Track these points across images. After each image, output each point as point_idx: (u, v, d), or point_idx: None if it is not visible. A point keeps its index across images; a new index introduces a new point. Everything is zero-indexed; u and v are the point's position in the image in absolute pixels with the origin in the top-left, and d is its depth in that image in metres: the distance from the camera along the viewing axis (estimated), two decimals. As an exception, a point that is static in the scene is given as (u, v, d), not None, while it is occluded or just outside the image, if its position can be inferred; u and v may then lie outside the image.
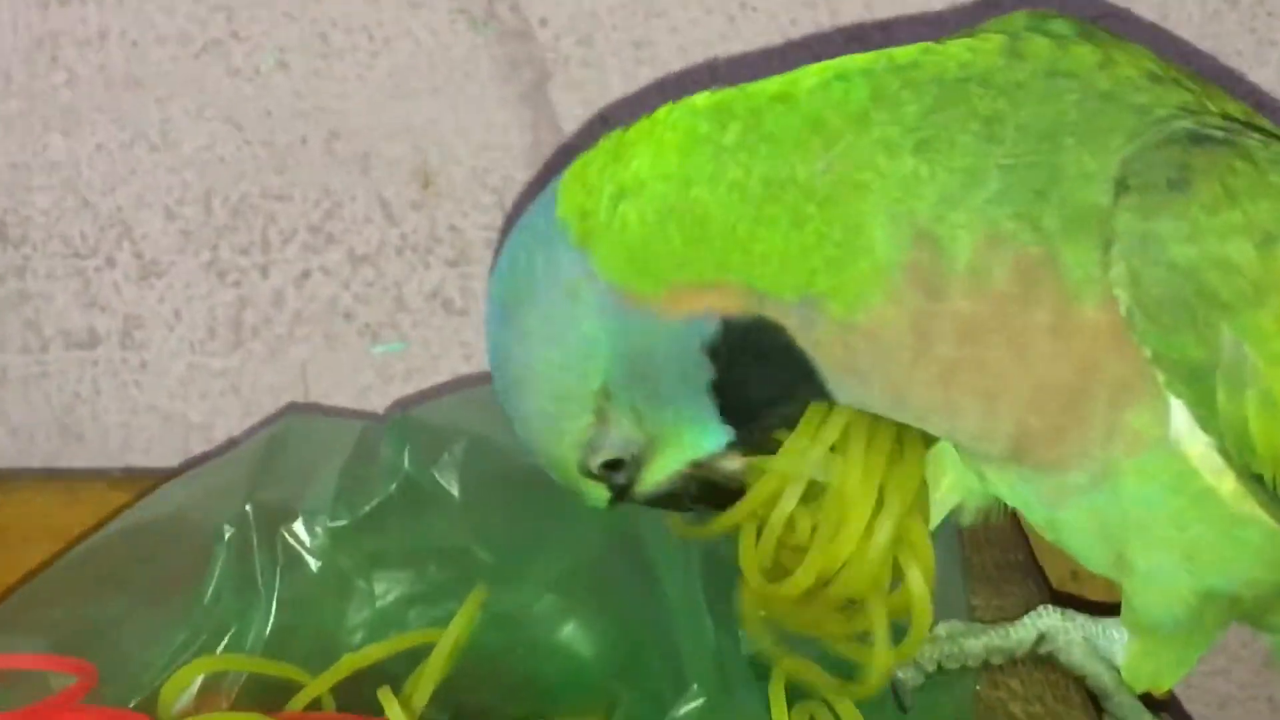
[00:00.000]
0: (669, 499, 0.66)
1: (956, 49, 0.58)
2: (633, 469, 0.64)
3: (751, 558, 0.67)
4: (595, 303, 0.59)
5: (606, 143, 0.60)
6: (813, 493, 0.66)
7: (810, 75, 0.58)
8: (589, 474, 0.64)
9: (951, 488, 0.69)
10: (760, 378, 0.60)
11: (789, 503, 0.66)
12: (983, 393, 0.58)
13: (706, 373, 0.60)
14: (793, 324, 0.58)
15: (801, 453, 0.65)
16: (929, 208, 0.56)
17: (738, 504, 0.67)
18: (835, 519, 0.65)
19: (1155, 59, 0.60)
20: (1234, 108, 0.62)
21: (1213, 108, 0.59)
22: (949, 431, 0.61)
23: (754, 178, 0.57)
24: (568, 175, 0.60)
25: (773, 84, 0.59)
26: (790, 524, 0.66)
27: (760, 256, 0.57)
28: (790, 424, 0.65)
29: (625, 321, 0.59)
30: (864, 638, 0.67)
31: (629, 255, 0.58)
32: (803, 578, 0.66)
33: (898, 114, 0.56)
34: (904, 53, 0.58)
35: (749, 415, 0.62)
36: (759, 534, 0.67)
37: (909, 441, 0.66)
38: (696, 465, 0.65)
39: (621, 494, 0.65)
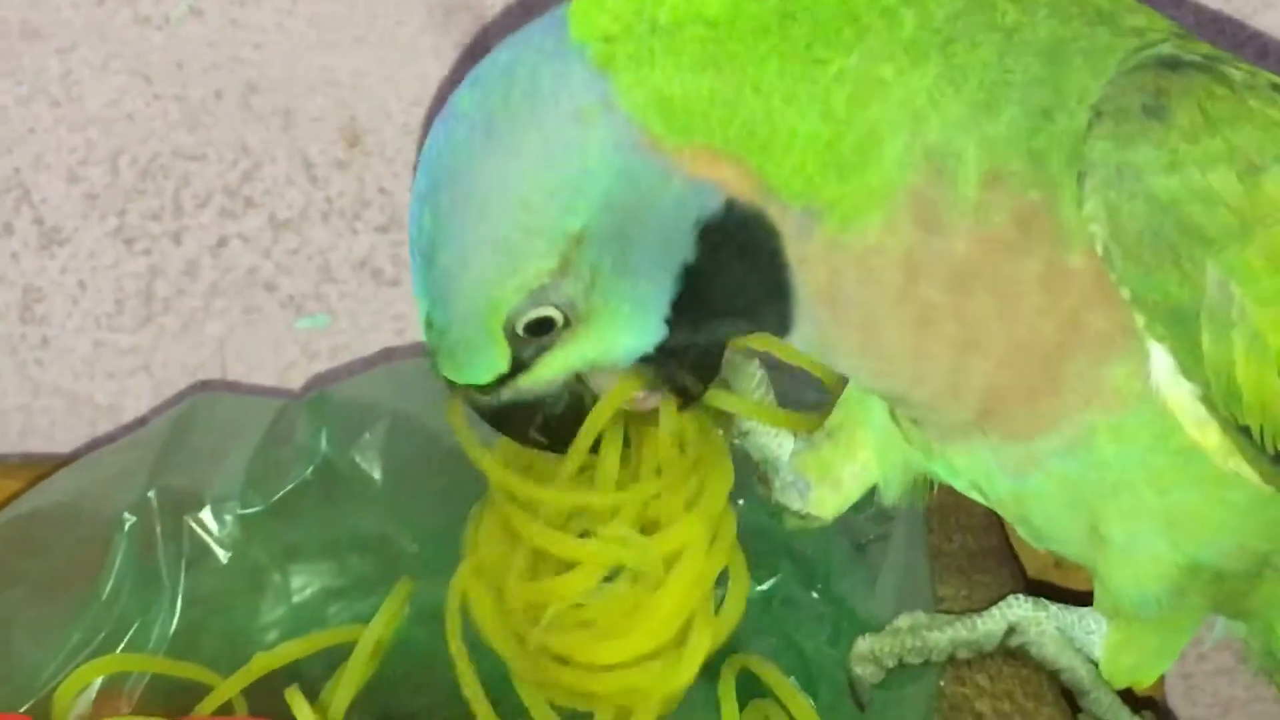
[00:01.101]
0: (519, 414, 0.65)
1: None
2: (551, 340, 0.61)
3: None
4: (609, 134, 0.57)
5: None
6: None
7: None
8: (509, 333, 0.61)
9: (872, 462, 0.70)
10: (734, 280, 0.59)
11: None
12: (957, 343, 0.59)
13: (688, 251, 0.59)
14: (789, 231, 0.58)
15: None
16: (944, 127, 0.57)
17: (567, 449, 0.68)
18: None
19: None
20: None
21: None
22: (909, 389, 0.62)
23: (796, 48, 0.57)
24: (576, 2, 0.59)
25: None
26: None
27: (783, 142, 0.57)
28: (714, 361, 0.66)
29: (635, 163, 0.57)
30: None
31: (658, 94, 0.57)
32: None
33: (926, 15, 0.57)
34: None
35: (699, 319, 0.61)
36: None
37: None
38: (585, 372, 0.64)
39: (513, 372, 0.63)
